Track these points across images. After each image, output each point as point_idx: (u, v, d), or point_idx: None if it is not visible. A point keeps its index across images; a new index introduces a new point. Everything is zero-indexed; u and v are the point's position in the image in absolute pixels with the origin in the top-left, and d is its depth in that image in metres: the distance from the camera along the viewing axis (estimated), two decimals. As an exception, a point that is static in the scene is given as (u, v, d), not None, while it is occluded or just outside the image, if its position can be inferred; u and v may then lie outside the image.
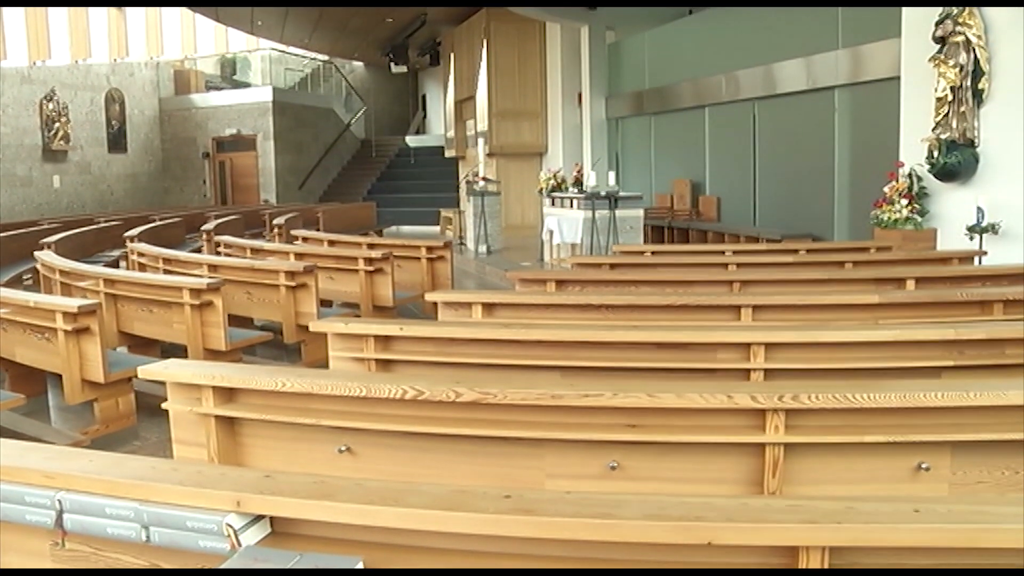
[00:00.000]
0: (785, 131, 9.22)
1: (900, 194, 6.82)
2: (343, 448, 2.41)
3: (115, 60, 19.45)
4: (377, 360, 3.21)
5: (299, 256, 7.05)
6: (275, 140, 19.27)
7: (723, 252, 6.02)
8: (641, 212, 9.22)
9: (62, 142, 17.01)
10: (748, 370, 2.98)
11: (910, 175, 6.80)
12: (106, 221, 11.46)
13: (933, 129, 6.55)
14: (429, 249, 7.26)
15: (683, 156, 11.05)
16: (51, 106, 16.87)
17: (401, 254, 7.22)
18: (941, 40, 6.44)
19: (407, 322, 3.48)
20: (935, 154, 6.55)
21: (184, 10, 16.95)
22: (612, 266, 5.50)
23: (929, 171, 6.64)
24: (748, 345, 2.98)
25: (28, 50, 17.28)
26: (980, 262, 5.55)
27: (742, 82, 9.75)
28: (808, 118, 8.77)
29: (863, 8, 7.80)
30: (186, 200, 19.41)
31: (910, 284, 4.37)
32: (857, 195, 7.96)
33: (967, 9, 6.26)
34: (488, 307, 3.85)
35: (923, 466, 2.11)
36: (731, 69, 9.89)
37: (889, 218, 6.82)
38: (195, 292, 5.05)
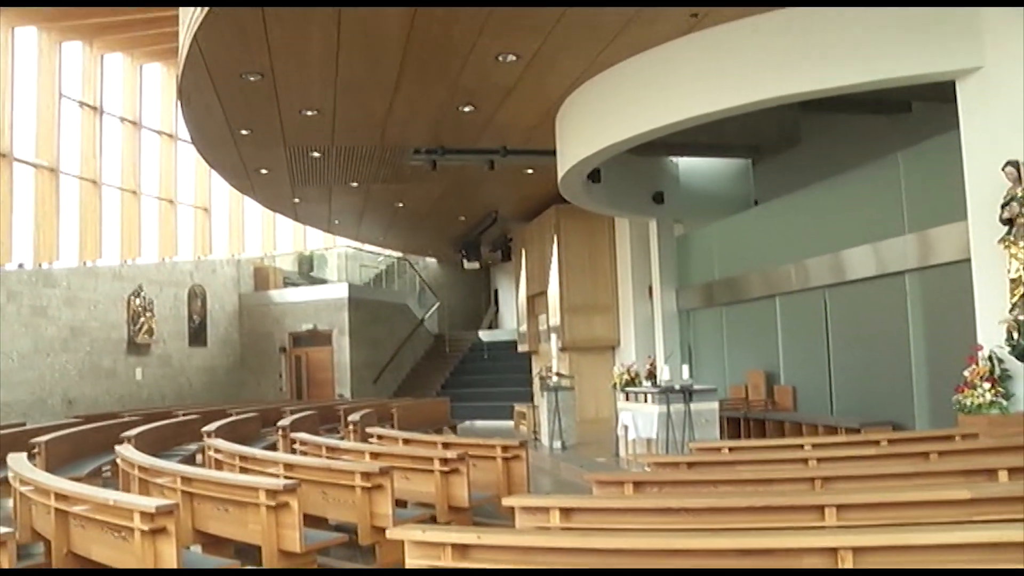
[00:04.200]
0: (857, 318, 9.15)
1: (982, 378, 6.61)
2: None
3: (199, 257, 20.31)
4: (454, 569, 3.17)
5: (374, 456, 7.04)
6: (350, 335, 19.62)
7: (802, 446, 5.88)
8: (716, 405, 9.10)
9: (146, 336, 17.60)
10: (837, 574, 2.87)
11: (990, 358, 6.62)
12: (184, 415, 11.68)
13: (1010, 310, 6.45)
14: (504, 448, 7.20)
15: (756, 346, 10.98)
16: (138, 301, 17.55)
17: (476, 453, 7.17)
18: (1009, 222, 6.42)
19: (484, 529, 3.45)
20: (1015, 336, 6.40)
21: (265, 210, 17.70)
22: (690, 465, 5.41)
23: (1010, 353, 6.47)
24: (835, 550, 2.88)
25: (121, 249, 18.14)
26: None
27: (811, 270, 9.76)
28: (879, 304, 8.70)
29: (928, 193, 7.86)
30: (262, 394, 19.71)
31: (1002, 475, 4.20)
32: (936, 380, 7.78)
33: (1031, 192, 6.28)
34: (566, 512, 3.79)
35: None
36: (799, 258, 9.93)
37: (972, 403, 6.60)
38: (271, 493, 5.03)
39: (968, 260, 6.99)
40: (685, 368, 9.25)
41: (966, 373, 6.73)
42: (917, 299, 8.19)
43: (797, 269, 9.98)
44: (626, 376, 10.88)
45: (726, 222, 11.71)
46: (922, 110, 9.72)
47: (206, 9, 6.62)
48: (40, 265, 15.90)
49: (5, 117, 15.45)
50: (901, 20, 6.69)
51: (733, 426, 10.33)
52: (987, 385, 6.57)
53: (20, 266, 15.41)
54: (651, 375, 10.62)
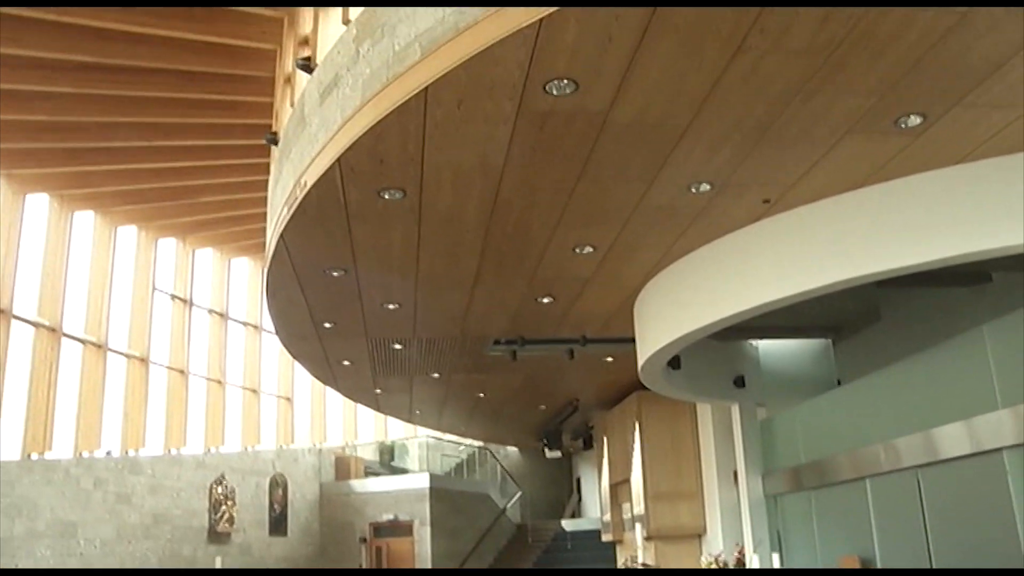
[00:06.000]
0: (955, 498, 8.79)
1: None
2: None
3: (281, 446, 20.53)
4: None
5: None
6: (432, 526, 19.46)
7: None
8: (812, 594, 8.74)
9: (227, 524, 17.66)
10: None
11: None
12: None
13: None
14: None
15: (848, 531, 10.58)
16: (220, 490, 17.71)
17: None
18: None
19: None
20: None
21: (347, 400, 17.95)
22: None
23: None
24: None
25: (205, 437, 18.46)
26: None
27: (901, 450, 9.47)
28: (978, 483, 8.35)
29: (1018, 366, 7.67)
30: (342, 585, 19.48)
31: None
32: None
33: None
34: None
35: None
36: (888, 438, 9.67)
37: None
38: None
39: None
40: (775, 556, 8.95)
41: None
42: (1019, 476, 7.86)
43: (886, 449, 9.70)
44: (715, 566, 10.53)
45: (810, 404, 11.51)
46: (1003, 280, 9.62)
47: (293, 209, 6.92)
48: (127, 452, 16.23)
49: (103, 310, 16.15)
50: (974, 195, 6.71)
51: (830, 618, 9.86)
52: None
53: (108, 453, 15.76)
54: (740, 564, 10.27)
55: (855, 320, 11.32)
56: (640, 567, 10.90)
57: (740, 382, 12.01)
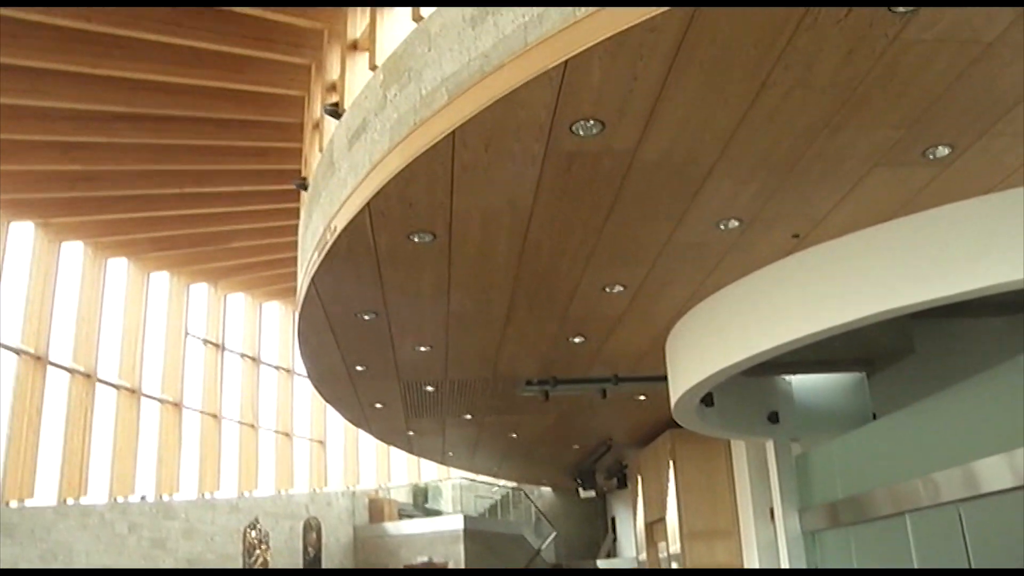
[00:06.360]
0: (998, 533, 8.60)
1: None
2: None
3: (315, 490, 20.56)
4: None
5: None
6: (466, 567, 19.33)
7: None
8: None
9: (261, 568, 17.61)
10: None
11: None
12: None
13: None
14: None
15: (889, 567, 10.42)
16: (254, 534, 17.72)
17: None
18: None
19: None
20: None
21: (379, 442, 18.01)
22: None
23: None
24: None
25: (238, 481, 18.54)
26: None
27: (940, 484, 9.31)
28: (1022, 517, 8.21)
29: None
30: (376, 628, 19.41)
31: None
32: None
33: None
34: None
35: None
36: (927, 471, 9.51)
37: None
38: None
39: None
40: (816, 595, 8.82)
41: None
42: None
43: (925, 484, 9.54)
44: (754, 605, 10.40)
45: (845, 438, 11.38)
46: (1040, 309, 9.52)
47: (324, 254, 6.98)
48: (161, 497, 16.32)
49: (137, 355, 16.32)
50: (1006, 223, 6.66)
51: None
52: None
53: (143, 498, 15.83)
54: (780, 603, 10.13)
55: (889, 353, 11.21)
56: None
57: (774, 418, 11.90)
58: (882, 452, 10.99)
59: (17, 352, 14.11)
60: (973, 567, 8.96)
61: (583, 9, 4.33)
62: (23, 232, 14.40)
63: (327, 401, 13.07)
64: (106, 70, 10.02)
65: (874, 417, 11.85)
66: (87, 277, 15.42)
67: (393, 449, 19.92)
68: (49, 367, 14.54)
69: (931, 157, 5.57)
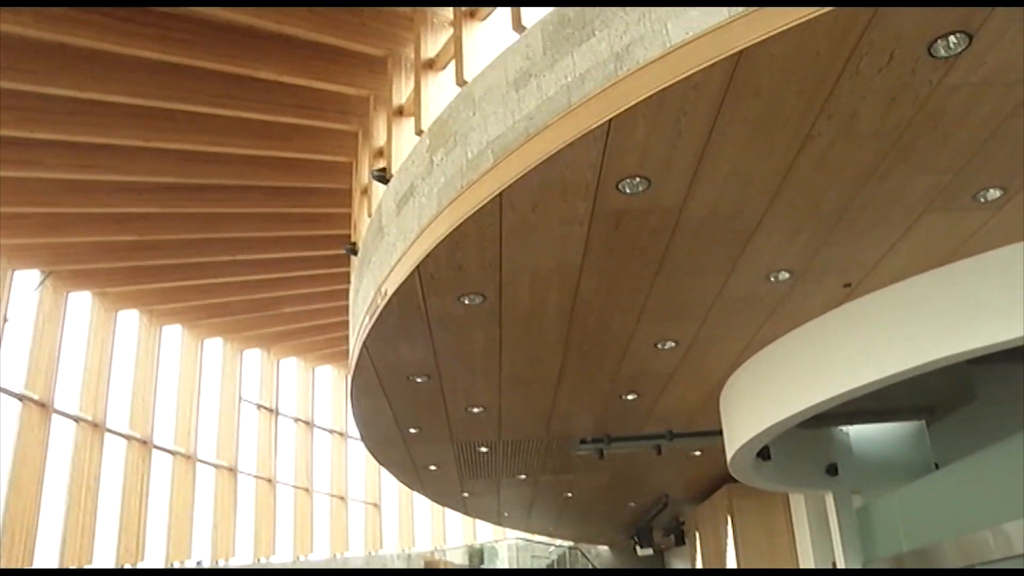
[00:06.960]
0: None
1: None
2: None
3: (370, 553, 20.49)
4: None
5: None
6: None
7: None
8: None
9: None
10: None
11: None
12: None
13: None
14: None
15: (961, 622, 10.11)
16: (308, 600, 17.67)
17: None
18: None
19: None
20: None
21: (434, 504, 17.97)
22: None
23: None
24: None
25: (293, 545, 18.58)
26: None
27: (1012, 536, 9.05)
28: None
29: None
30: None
31: None
32: None
33: None
34: None
35: None
36: (996, 522, 9.26)
37: None
38: None
39: None
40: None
41: None
42: None
43: (995, 535, 9.29)
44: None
45: (908, 489, 11.13)
46: (1104, 349, 9.28)
47: (375, 318, 7.03)
48: (217, 562, 16.37)
49: (192, 421, 16.49)
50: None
51: None
52: None
53: (199, 563, 15.89)
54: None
55: (949, 400, 10.99)
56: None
57: (833, 470, 11.68)
58: (947, 503, 10.74)
59: (76, 420, 14.33)
60: (1048, 621, 8.69)
61: (625, 68, 4.38)
62: (81, 302, 14.70)
63: (381, 464, 13.07)
64: (158, 143, 10.28)
65: (936, 466, 11.59)
66: (143, 345, 15.67)
67: (448, 510, 19.87)
68: (107, 434, 14.74)
69: (982, 200, 5.50)
